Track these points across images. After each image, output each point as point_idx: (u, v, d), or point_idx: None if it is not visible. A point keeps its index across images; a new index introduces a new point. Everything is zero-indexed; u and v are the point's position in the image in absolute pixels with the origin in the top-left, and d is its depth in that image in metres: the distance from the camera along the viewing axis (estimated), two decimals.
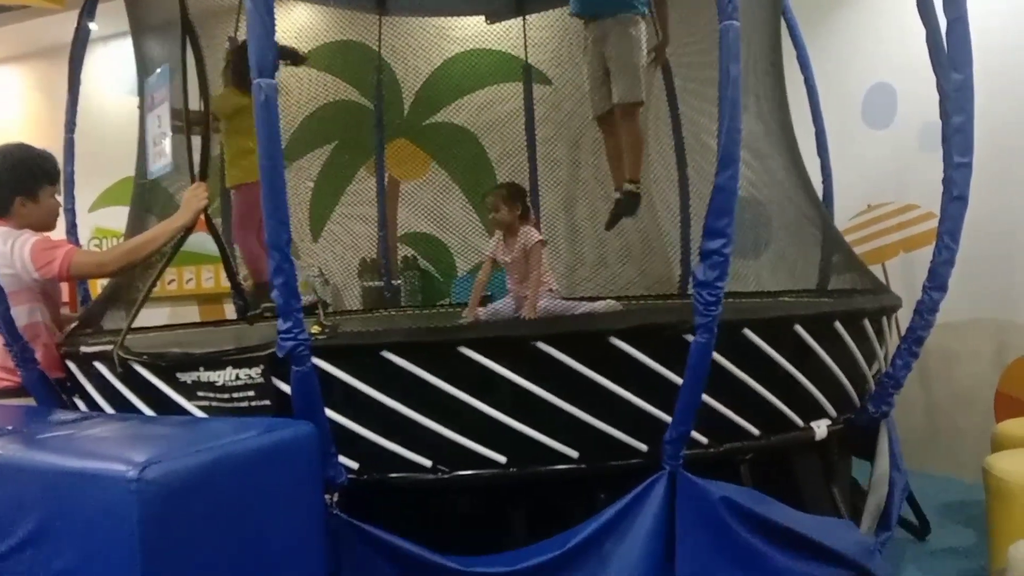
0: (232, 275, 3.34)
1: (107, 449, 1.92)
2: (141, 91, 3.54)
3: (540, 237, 3.41)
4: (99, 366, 2.83)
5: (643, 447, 2.47)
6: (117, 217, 6.55)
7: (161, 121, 3.09)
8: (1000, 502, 2.83)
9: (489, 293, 3.93)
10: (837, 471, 3.00)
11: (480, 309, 3.48)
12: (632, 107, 3.57)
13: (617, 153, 3.77)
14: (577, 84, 5.14)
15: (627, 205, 3.68)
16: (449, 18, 5.46)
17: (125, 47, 3.86)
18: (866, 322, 3.03)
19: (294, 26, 5.14)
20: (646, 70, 3.61)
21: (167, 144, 3.04)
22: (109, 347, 2.75)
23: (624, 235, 4.85)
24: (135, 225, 3.58)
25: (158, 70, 3.17)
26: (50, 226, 3.20)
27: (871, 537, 2.95)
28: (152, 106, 3.17)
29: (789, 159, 3.88)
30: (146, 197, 3.59)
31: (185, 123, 3.01)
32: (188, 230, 2.91)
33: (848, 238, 4.38)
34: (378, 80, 5.52)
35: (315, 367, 2.30)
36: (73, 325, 3.30)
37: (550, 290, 3.42)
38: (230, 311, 5.73)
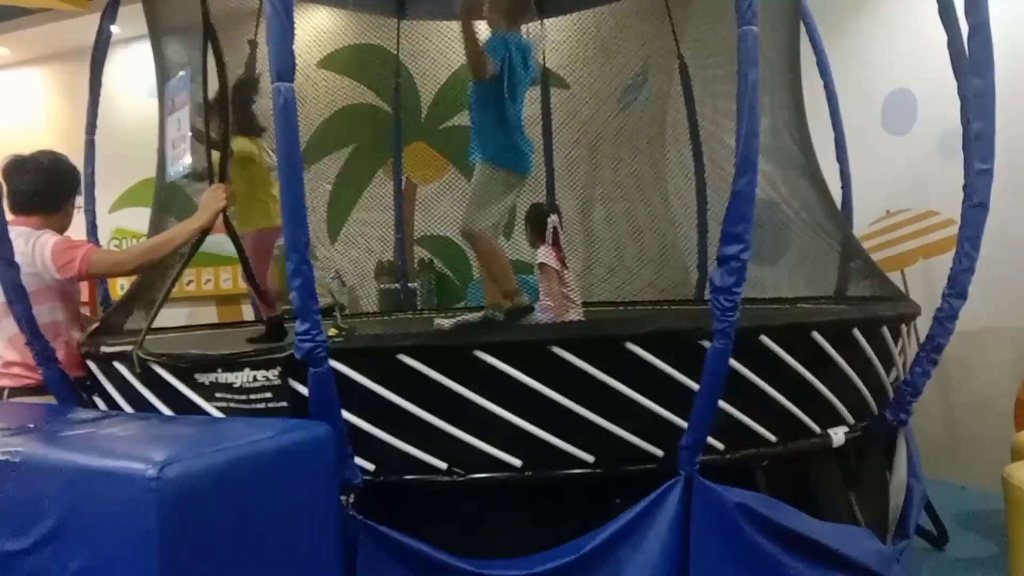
0: (250, 276, 3.35)
1: (126, 448, 1.93)
2: (161, 94, 3.57)
3: (540, 260, 3.69)
4: (119, 366, 2.86)
5: (659, 452, 2.46)
6: (136, 218, 6.62)
7: (181, 124, 3.11)
8: (1019, 512, 2.80)
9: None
10: (855, 479, 2.98)
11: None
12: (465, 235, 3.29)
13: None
14: (595, 87, 5.17)
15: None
16: None
17: (146, 49, 3.89)
18: (884, 329, 3.00)
19: (313, 29, 5.18)
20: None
21: (186, 147, 3.07)
22: (129, 347, 2.77)
23: (641, 240, 4.86)
24: (156, 227, 3.61)
25: (179, 74, 3.19)
26: (65, 227, 3.25)
27: (889, 545, 2.93)
28: (172, 109, 3.19)
29: (806, 165, 3.86)
30: (167, 199, 3.61)
31: (205, 125, 3.03)
32: (206, 231, 2.94)
33: (867, 244, 4.35)
34: (396, 83, 5.55)
35: (332, 369, 2.31)
36: (94, 326, 3.32)
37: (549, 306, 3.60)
38: (248, 312, 5.78)
